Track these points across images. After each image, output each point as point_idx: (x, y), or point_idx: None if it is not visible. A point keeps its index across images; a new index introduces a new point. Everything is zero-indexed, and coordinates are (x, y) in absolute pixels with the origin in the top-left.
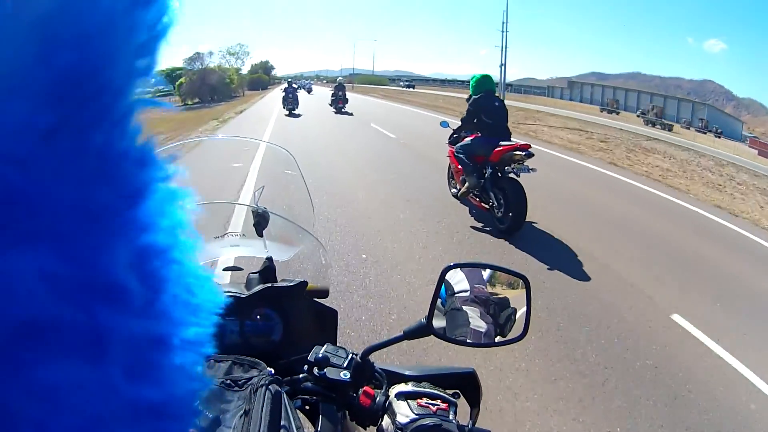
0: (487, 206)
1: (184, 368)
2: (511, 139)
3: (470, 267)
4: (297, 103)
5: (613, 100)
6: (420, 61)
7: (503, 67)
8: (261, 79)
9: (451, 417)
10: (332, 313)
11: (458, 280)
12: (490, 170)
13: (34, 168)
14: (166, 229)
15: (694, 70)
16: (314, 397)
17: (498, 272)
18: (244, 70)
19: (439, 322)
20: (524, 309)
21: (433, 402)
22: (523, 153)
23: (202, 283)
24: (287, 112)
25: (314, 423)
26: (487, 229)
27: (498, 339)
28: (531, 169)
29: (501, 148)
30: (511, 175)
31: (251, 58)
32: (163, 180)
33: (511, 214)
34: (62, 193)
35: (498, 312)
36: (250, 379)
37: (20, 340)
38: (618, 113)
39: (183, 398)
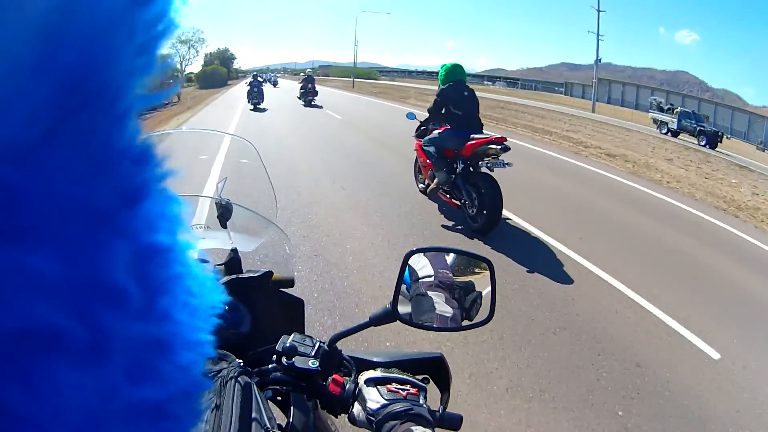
0: (458, 203)
1: (185, 369)
2: (484, 131)
3: (433, 251)
4: (262, 98)
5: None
6: (386, 53)
7: (597, 53)
8: (217, 72)
9: (421, 401)
10: (299, 303)
11: (422, 266)
12: (461, 165)
13: (34, 168)
14: (166, 229)
15: (666, 60)
16: (284, 387)
17: (461, 256)
18: (197, 63)
19: (404, 308)
20: (488, 291)
21: (403, 387)
22: (499, 147)
23: (202, 283)
24: (252, 107)
25: (286, 413)
26: (459, 227)
27: (465, 323)
28: (506, 164)
29: (474, 142)
30: (484, 169)
31: (207, 46)
32: (162, 179)
33: (485, 211)
34: (61, 192)
35: (463, 296)
36: (219, 371)
37: (19, 342)
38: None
39: (183, 399)
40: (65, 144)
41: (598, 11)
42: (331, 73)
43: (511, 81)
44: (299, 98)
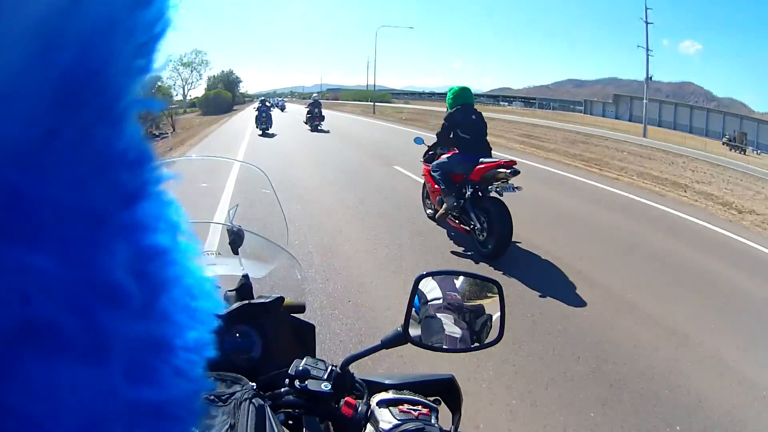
0: (467, 228)
1: (185, 370)
2: (492, 154)
3: (442, 275)
4: (271, 122)
5: (741, 132)
6: (391, 75)
7: (647, 69)
8: (221, 96)
9: (433, 422)
10: (310, 328)
11: (431, 289)
12: (470, 190)
13: (34, 168)
14: (165, 231)
15: (671, 72)
16: (297, 411)
17: (471, 279)
18: (200, 87)
19: (414, 331)
20: (499, 314)
21: (415, 408)
22: (508, 171)
23: (202, 285)
24: (260, 132)
25: None
26: (469, 253)
27: (474, 345)
28: (516, 188)
29: (482, 166)
30: (494, 194)
31: (210, 69)
32: (160, 181)
33: (494, 237)
34: (61, 193)
35: (473, 320)
36: (233, 394)
37: (18, 341)
38: (745, 150)
39: (183, 400)
40: (65, 145)
41: (646, 23)
42: (342, 96)
43: (527, 101)
44: (305, 123)
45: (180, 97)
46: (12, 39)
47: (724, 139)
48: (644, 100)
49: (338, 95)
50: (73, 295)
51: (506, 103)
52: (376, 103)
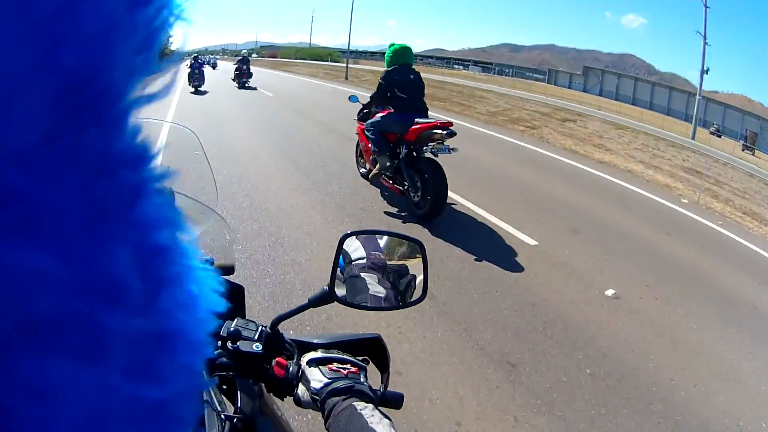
0: (401, 189)
1: (185, 368)
2: (429, 115)
3: (366, 234)
4: (203, 80)
5: (753, 133)
6: (327, 33)
7: (703, 61)
8: None
9: (362, 380)
10: (239, 289)
11: (355, 248)
12: (405, 150)
13: (34, 167)
14: (165, 229)
15: (612, 43)
16: (230, 373)
17: (395, 239)
18: None
19: (340, 290)
20: (422, 271)
21: (344, 366)
22: (444, 132)
23: (203, 283)
24: (193, 89)
25: (233, 400)
26: (403, 214)
27: (399, 303)
28: (452, 149)
29: (418, 126)
30: (428, 154)
31: None
32: (159, 179)
33: (429, 197)
34: (62, 192)
35: (397, 279)
36: None
37: (18, 339)
38: (753, 150)
39: (183, 398)
40: (65, 146)
41: (706, 7)
42: (282, 54)
43: (484, 66)
44: (233, 80)
45: None
46: (12, 39)
47: (712, 129)
48: (697, 97)
49: (276, 53)
50: (73, 293)
51: (461, 67)
52: (319, 62)
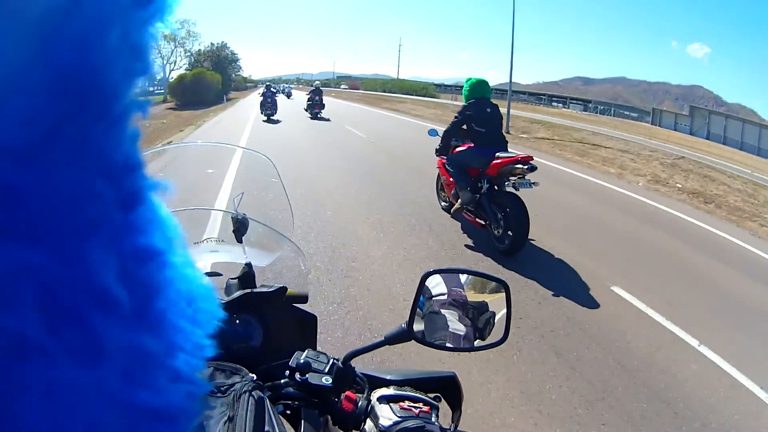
0: (483, 223)
1: (183, 373)
2: (508, 149)
3: (449, 273)
4: (276, 108)
5: None
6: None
7: None
8: (204, 79)
9: (433, 419)
10: (311, 319)
11: (436, 285)
12: (486, 184)
13: (34, 166)
14: (160, 235)
15: (678, 74)
16: (296, 403)
17: (477, 277)
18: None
19: (418, 326)
20: (503, 312)
21: (416, 405)
22: (525, 167)
23: (198, 289)
24: (265, 118)
25: (296, 428)
26: (484, 248)
27: (477, 343)
28: (533, 183)
29: (500, 161)
30: (510, 189)
31: (200, 43)
32: (155, 187)
33: (510, 232)
34: (59, 192)
35: (477, 316)
36: (232, 385)
37: (17, 343)
38: None
39: (180, 402)
40: (65, 145)
41: None
42: (365, 85)
43: (585, 104)
44: (306, 110)
45: (161, 78)
46: (12, 38)
47: None
48: None
49: (358, 83)
50: (69, 297)
51: (560, 104)
52: (407, 96)
